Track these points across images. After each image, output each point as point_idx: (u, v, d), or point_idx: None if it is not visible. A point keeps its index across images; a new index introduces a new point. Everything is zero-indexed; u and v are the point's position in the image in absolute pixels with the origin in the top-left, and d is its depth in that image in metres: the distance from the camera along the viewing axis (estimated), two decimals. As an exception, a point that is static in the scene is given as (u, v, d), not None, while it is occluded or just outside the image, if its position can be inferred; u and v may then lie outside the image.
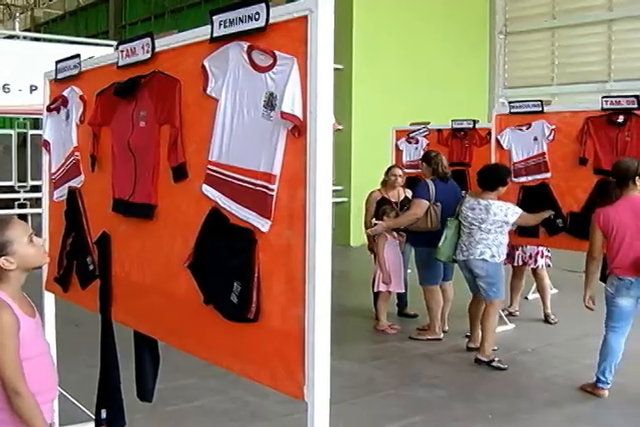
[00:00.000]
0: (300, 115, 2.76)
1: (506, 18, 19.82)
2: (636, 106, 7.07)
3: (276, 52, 2.91)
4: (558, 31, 18.85)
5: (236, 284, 3.12)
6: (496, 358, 7.13)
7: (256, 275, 3.02)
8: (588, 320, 8.83)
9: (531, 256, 8.72)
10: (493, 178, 7.12)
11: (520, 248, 8.70)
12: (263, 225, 2.97)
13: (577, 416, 5.86)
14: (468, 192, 7.38)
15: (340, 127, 16.37)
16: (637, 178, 5.96)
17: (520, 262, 8.84)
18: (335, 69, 10.71)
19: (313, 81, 2.72)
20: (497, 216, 6.96)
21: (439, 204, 7.72)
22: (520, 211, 7.07)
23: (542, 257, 8.75)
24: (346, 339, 8.10)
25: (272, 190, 2.92)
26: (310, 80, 2.74)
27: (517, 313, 9.09)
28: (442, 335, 8.04)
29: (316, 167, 2.69)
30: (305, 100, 2.76)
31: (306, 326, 2.81)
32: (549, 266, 8.93)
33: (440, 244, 7.33)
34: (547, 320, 8.84)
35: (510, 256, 8.67)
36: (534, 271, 8.92)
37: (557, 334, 8.47)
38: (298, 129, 2.79)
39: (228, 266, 3.17)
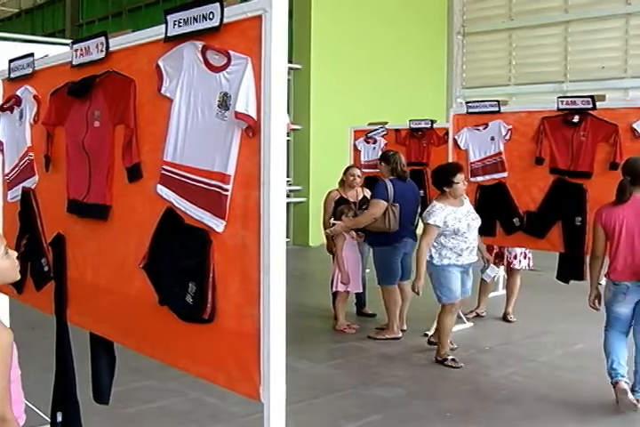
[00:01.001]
0: (254, 115, 2.76)
1: (464, 19, 19.96)
2: (590, 106, 7.14)
3: (231, 52, 2.90)
4: (515, 32, 19.02)
5: (191, 284, 3.10)
6: (449, 357, 7.17)
7: (211, 275, 3.02)
8: (545, 318, 8.99)
9: (515, 257, 8.72)
10: (436, 178, 7.19)
11: (506, 249, 8.69)
12: (218, 225, 2.96)
13: (534, 414, 5.90)
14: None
15: (297, 127, 16.40)
16: None
17: (505, 263, 8.85)
18: (294, 69, 10.77)
19: (267, 81, 2.71)
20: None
21: (398, 204, 7.72)
22: (429, 220, 6.91)
23: (525, 258, 8.76)
24: (305, 339, 8.11)
25: (226, 190, 2.91)
26: (264, 80, 2.73)
27: (484, 314, 9.11)
28: (400, 334, 8.06)
29: (269, 167, 2.68)
30: (259, 100, 2.76)
31: (261, 326, 2.80)
32: (530, 267, 8.96)
33: None
34: (505, 319, 8.90)
35: (499, 257, 8.73)
36: (511, 270, 8.92)
37: (515, 332, 8.53)
38: (252, 129, 2.78)
39: (183, 266, 3.16)
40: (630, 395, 5.71)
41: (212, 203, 2.99)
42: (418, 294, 7.13)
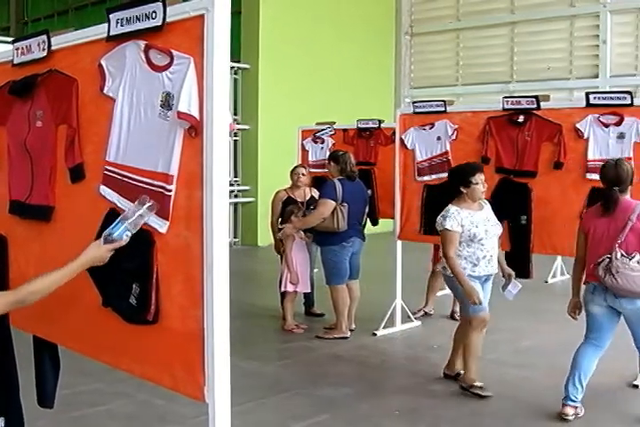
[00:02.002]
0: (196, 114, 2.75)
1: (412, 19, 20.07)
2: (535, 106, 7.22)
3: (173, 52, 2.88)
4: (463, 33, 19.18)
5: (134, 285, 3.08)
6: (477, 384, 6.36)
7: (155, 276, 3.00)
8: (493, 316, 9.01)
9: None
10: (453, 178, 6.55)
11: None
12: (161, 226, 2.95)
13: (481, 411, 5.96)
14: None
15: (245, 127, 16.37)
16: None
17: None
18: (242, 69, 10.73)
19: (209, 81, 2.70)
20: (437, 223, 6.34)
21: (346, 204, 7.74)
22: (447, 225, 6.22)
23: None
24: (253, 339, 8.11)
25: (170, 191, 2.90)
26: (207, 80, 2.72)
27: (432, 312, 9.16)
28: (349, 334, 8.08)
29: (212, 167, 2.67)
30: (201, 100, 2.75)
31: (205, 327, 2.78)
32: None
33: None
34: (452, 317, 8.96)
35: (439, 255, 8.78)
36: None
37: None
38: (194, 129, 2.77)
39: (127, 268, 3.13)
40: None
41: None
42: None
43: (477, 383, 6.28)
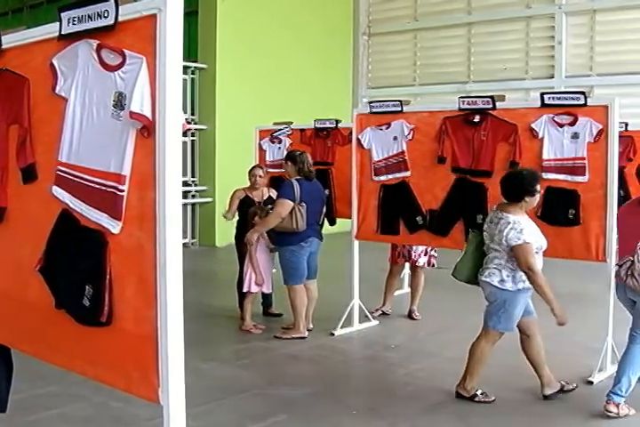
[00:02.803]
0: (149, 115, 2.74)
1: (369, 19, 20.10)
2: (491, 106, 7.25)
3: (126, 51, 2.87)
4: (420, 33, 19.25)
5: (87, 287, 3.06)
6: (479, 393, 6.22)
7: (108, 277, 2.98)
8: (450, 315, 9.15)
9: (420, 255, 8.80)
10: (516, 186, 5.91)
11: (407, 246, 8.75)
12: (114, 226, 2.93)
13: (439, 408, 5.99)
14: (498, 203, 6.12)
15: (203, 127, 16.31)
16: None
17: (409, 260, 8.94)
18: (199, 69, 10.67)
19: (162, 81, 2.70)
20: (501, 234, 5.81)
21: (304, 204, 7.73)
22: (526, 238, 5.74)
23: (425, 255, 8.84)
24: (211, 340, 8.08)
25: (122, 191, 2.88)
26: (159, 80, 2.71)
27: (390, 311, 9.18)
28: (306, 334, 8.07)
29: (165, 167, 2.66)
30: (154, 100, 2.73)
31: (159, 328, 2.77)
32: (434, 265, 9.02)
33: (458, 259, 6.32)
34: (410, 316, 9.00)
35: (402, 255, 8.82)
36: (415, 268, 9.02)
37: (420, 329, 8.64)
38: (147, 129, 2.76)
39: (80, 269, 3.11)
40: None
41: (107, 204, 2.95)
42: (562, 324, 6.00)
43: (479, 391, 6.20)
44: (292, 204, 7.65)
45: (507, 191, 5.94)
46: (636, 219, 5.70)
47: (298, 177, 7.86)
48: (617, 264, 5.69)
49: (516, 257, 5.77)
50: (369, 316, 8.60)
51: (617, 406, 5.70)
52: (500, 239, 5.80)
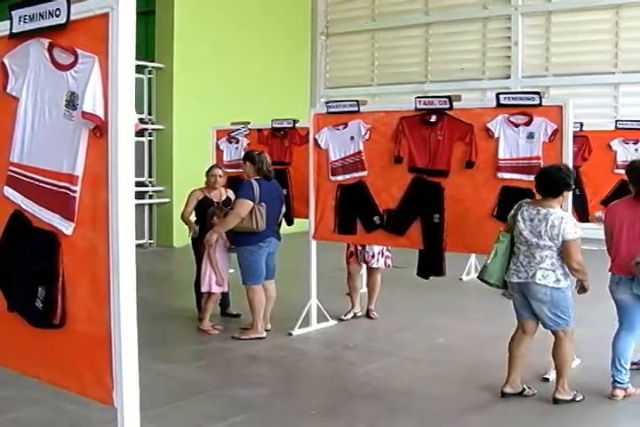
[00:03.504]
0: (101, 114, 2.72)
1: (327, 19, 20.16)
2: (447, 106, 7.28)
3: (78, 50, 2.85)
4: (378, 33, 19.35)
5: (40, 289, 3.03)
6: (577, 397, 6.07)
7: (60, 279, 2.96)
8: (408, 314, 9.18)
9: (374, 255, 8.73)
10: (556, 181, 5.88)
11: (365, 246, 8.69)
12: (67, 228, 2.90)
13: (396, 407, 5.99)
14: (525, 200, 6.10)
15: (160, 127, 16.22)
16: None
17: (364, 261, 8.85)
18: (156, 68, 10.56)
19: (114, 80, 2.68)
20: (554, 229, 5.74)
21: (264, 204, 7.72)
22: (580, 233, 5.80)
23: (382, 256, 8.78)
24: (169, 341, 8.04)
25: (75, 192, 2.86)
26: (111, 79, 2.69)
27: (361, 313, 9.13)
28: (265, 334, 8.04)
29: (117, 167, 2.65)
30: (106, 100, 2.71)
31: (112, 329, 2.75)
32: (389, 266, 8.97)
33: (488, 261, 6.06)
34: (368, 316, 9.00)
35: (355, 255, 8.77)
36: (370, 269, 8.96)
37: (378, 328, 8.65)
38: (99, 129, 2.74)
39: (32, 270, 3.08)
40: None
41: (60, 205, 2.93)
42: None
43: (577, 394, 6.09)
44: (251, 204, 7.62)
45: (547, 187, 5.92)
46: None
47: (257, 177, 7.83)
48: (637, 261, 5.79)
49: (569, 251, 5.77)
50: (326, 315, 8.58)
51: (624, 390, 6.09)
52: (555, 234, 5.74)
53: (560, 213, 5.83)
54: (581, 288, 6.02)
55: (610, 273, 6.18)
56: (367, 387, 6.52)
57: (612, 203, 6.33)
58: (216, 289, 8.25)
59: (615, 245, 6.10)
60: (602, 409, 5.96)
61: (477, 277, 6.25)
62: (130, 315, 2.74)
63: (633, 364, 6.53)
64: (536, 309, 5.95)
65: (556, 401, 5.98)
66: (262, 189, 7.72)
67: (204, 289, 8.25)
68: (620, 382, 6.06)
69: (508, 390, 6.14)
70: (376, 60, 19.52)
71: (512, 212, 6.03)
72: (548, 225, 5.74)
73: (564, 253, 5.79)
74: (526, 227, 5.85)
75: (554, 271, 5.83)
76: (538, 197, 6.06)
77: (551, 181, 5.89)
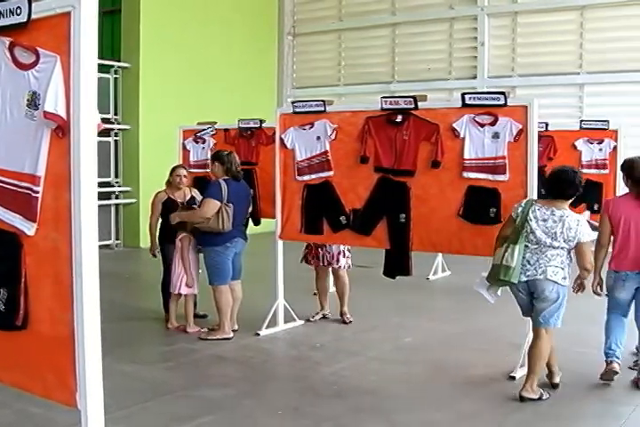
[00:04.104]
0: (63, 114, 2.70)
1: (294, 19, 20.13)
2: (413, 106, 7.30)
3: (39, 50, 2.83)
4: (345, 33, 19.36)
5: (2, 290, 3.01)
6: (544, 395, 6.12)
7: (23, 280, 2.93)
8: (375, 314, 9.20)
9: (333, 256, 8.63)
10: (568, 183, 5.97)
11: (324, 248, 8.62)
12: (29, 228, 2.88)
13: (363, 407, 6.00)
14: (537, 200, 6.19)
15: (126, 127, 16.13)
16: None
17: (325, 263, 8.72)
18: (122, 68, 10.49)
19: (76, 80, 2.66)
20: (571, 231, 5.85)
21: (231, 204, 7.70)
22: (594, 236, 6.08)
23: (344, 257, 8.69)
24: (136, 342, 7.99)
25: (37, 192, 2.84)
26: (73, 79, 2.67)
27: (329, 315, 9.05)
28: (232, 335, 8.03)
29: (80, 168, 2.63)
30: (68, 100, 2.69)
31: (75, 331, 2.73)
32: (349, 267, 8.85)
33: (511, 262, 5.96)
34: (342, 319, 8.85)
35: (316, 257, 8.71)
36: (335, 271, 8.86)
37: (345, 328, 8.63)
38: (61, 129, 2.72)
39: (-7, 272, 3.05)
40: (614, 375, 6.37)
41: (22, 205, 2.90)
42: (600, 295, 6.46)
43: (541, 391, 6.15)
44: (218, 204, 7.60)
45: (563, 189, 5.99)
46: None
47: (225, 177, 7.81)
48: None
49: (583, 253, 5.94)
50: (294, 315, 8.57)
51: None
52: (572, 237, 5.85)
53: (576, 215, 5.96)
54: (580, 286, 6.21)
55: (612, 270, 6.44)
56: (334, 387, 6.52)
57: (614, 197, 6.62)
58: (187, 291, 8.22)
59: (621, 242, 6.35)
60: (568, 408, 6.01)
61: (499, 278, 6.06)
62: (93, 316, 2.72)
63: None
64: (537, 305, 6.05)
65: (522, 399, 6.00)
66: (230, 190, 7.71)
67: (175, 290, 8.22)
68: (617, 357, 6.41)
69: (557, 379, 6.43)
70: (343, 60, 19.53)
71: (519, 208, 6.09)
72: (565, 227, 5.84)
73: (577, 253, 5.96)
74: (539, 227, 5.92)
75: (563, 269, 5.96)
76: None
77: (568, 184, 5.97)
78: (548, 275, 5.91)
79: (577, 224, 5.84)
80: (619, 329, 6.47)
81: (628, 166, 6.52)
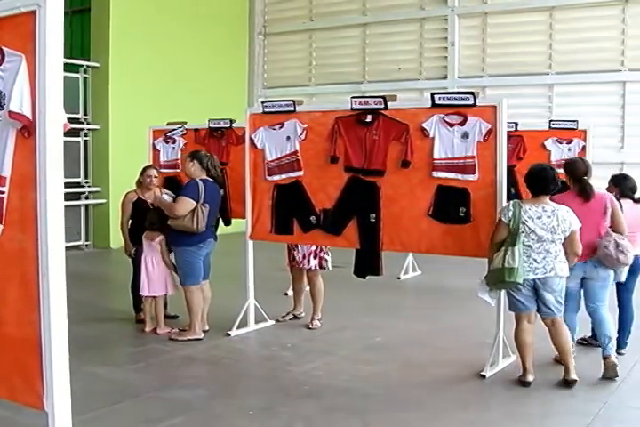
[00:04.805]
0: (28, 114, 2.68)
1: (265, 19, 20.11)
2: (382, 106, 7.32)
3: (4, 49, 2.80)
4: (316, 33, 19.36)
5: (-32, 292, 2.97)
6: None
7: (-12, 282, 2.90)
8: (346, 314, 9.21)
9: (305, 257, 8.55)
10: (549, 180, 6.36)
11: (297, 248, 8.55)
12: (-5, 230, 2.85)
13: (335, 407, 6.01)
14: (522, 200, 6.53)
15: (95, 127, 16.05)
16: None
17: (296, 264, 8.63)
18: (91, 67, 10.41)
19: (42, 79, 2.63)
20: (565, 222, 6.23)
21: (207, 204, 7.68)
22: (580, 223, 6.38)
23: (315, 258, 8.55)
24: (106, 344, 7.94)
25: (2, 193, 2.81)
26: (39, 78, 2.65)
27: (303, 315, 9.00)
28: (202, 335, 8.01)
29: (46, 168, 2.61)
30: (34, 99, 2.67)
31: (42, 332, 2.70)
32: (324, 268, 8.63)
33: (514, 264, 6.17)
34: (308, 326, 8.66)
35: (290, 258, 8.66)
36: (308, 273, 8.74)
37: (317, 328, 8.61)
38: (27, 129, 2.70)
39: (-41, 274, 3.01)
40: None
41: (-12, 206, 2.87)
42: None
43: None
44: (194, 203, 7.59)
45: (544, 186, 6.38)
46: (585, 207, 6.65)
47: (202, 177, 7.80)
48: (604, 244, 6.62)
49: (573, 241, 6.35)
50: (264, 315, 8.56)
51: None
52: (567, 227, 6.25)
53: (564, 207, 6.34)
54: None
55: None
56: (305, 386, 6.52)
57: (557, 196, 6.63)
58: (167, 291, 8.21)
59: None
60: (538, 406, 6.06)
61: (504, 280, 6.25)
62: (60, 317, 2.70)
63: (582, 340, 7.55)
64: (546, 299, 6.36)
65: (574, 382, 6.40)
66: (207, 190, 7.70)
67: (148, 293, 8.18)
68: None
69: (530, 378, 6.51)
70: (314, 60, 19.53)
71: (509, 212, 6.28)
72: (560, 219, 6.22)
73: (569, 241, 6.33)
74: (536, 225, 6.21)
75: (564, 263, 6.34)
76: (527, 196, 6.72)
77: (550, 181, 6.36)
78: (558, 271, 6.28)
79: (568, 215, 6.26)
80: (572, 324, 6.96)
81: (570, 167, 7.04)
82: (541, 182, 6.35)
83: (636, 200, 7.43)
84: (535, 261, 6.24)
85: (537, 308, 6.45)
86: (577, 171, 6.91)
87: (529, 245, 6.22)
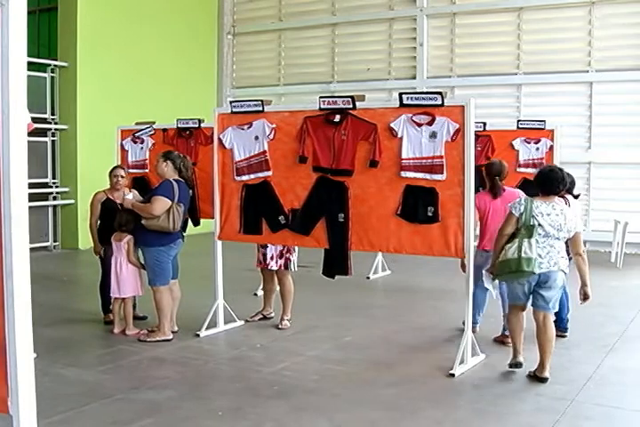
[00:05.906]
0: (-9, 114, 2.64)
1: (234, 19, 20.08)
2: (351, 106, 7.32)
3: (-34, 48, 2.76)
4: (285, 33, 19.36)
5: None
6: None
7: (-48, 284, 2.86)
8: (315, 313, 9.22)
9: (272, 257, 8.48)
10: (559, 181, 6.55)
11: (263, 249, 8.50)
12: (-42, 231, 2.81)
13: (304, 406, 6.00)
14: (535, 198, 6.59)
15: (63, 127, 15.94)
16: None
17: (263, 264, 8.55)
18: (59, 67, 10.35)
19: (4, 79, 2.60)
20: (571, 222, 6.49)
21: (182, 204, 7.67)
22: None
23: (281, 258, 8.49)
24: (74, 345, 7.88)
25: (-34, 194, 2.77)
26: (2, 78, 2.61)
27: (272, 315, 8.97)
28: (171, 336, 7.98)
29: (9, 168, 2.58)
30: (-3, 99, 2.64)
31: (6, 335, 2.67)
32: (288, 268, 8.56)
33: (531, 254, 6.39)
34: (278, 326, 8.65)
35: (258, 259, 8.61)
36: (276, 274, 8.68)
37: (285, 328, 8.61)
38: (-10, 129, 2.66)
39: None
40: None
41: (-50, 208, 2.83)
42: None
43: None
44: (169, 202, 7.58)
45: (553, 186, 6.58)
46: (498, 203, 7.72)
47: (175, 178, 7.78)
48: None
49: (578, 242, 6.63)
50: (233, 315, 8.54)
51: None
52: (572, 227, 6.51)
53: (570, 209, 6.78)
54: (584, 289, 6.68)
55: (481, 250, 7.80)
56: (275, 387, 6.51)
57: (479, 193, 7.70)
58: (125, 294, 8.17)
59: (485, 227, 7.87)
60: (507, 404, 6.11)
61: (520, 269, 6.44)
62: (24, 320, 2.67)
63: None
64: (544, 292, 6.56)
65: (546, 380, 6.54)
66: (181, 190, 7.69)
67: (115, 295, 8.14)
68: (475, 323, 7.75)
69: (521, 359, 6.81)
70: (283, 60, 19.53)
71: (520, 206, 6.52)
72: (567, 219, 6.47)
73: (574, 242, 6.62)
74: (545, 221, 6.44)
75: (566, 259, 6.60)
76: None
77: (559, 182, 6.57)
78: (560, 266, 6.51)
79: (574, 216, 6.58)
80: (482, 301, 7.90)
81: (488, 167, 8.13)
82: (550, 183, 6.57)
83: (576, 196, 7.86)
84: (539, 256, 6.43)
85: (532, 302, 6.68)
86: (492, 171, 8.00)
87: (536, 240, 6.47)
